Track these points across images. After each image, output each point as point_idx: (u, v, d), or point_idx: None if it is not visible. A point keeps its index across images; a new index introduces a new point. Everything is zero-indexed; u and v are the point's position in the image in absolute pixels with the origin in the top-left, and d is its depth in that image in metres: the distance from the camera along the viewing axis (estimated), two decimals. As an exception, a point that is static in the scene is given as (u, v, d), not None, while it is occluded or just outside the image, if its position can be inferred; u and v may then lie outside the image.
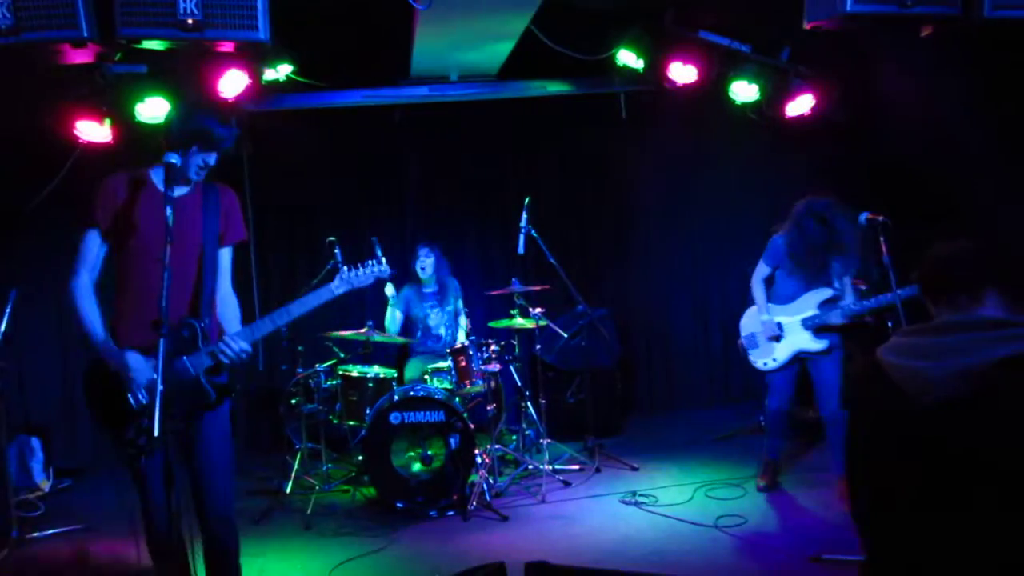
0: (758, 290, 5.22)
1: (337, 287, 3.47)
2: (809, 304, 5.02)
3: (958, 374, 1.88)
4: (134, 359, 3.12)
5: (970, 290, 2.02)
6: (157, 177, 3.25)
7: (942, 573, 1.91)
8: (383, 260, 3.63)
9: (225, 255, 3.44)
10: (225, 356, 3.21)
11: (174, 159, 3.14)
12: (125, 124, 5.35)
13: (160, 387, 2.83)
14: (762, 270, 5.20)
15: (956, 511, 1.88)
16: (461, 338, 6.31)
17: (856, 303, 4.84)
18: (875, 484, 2.07)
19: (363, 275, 3.55)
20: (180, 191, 3.25)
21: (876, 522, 2.07)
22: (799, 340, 5.02)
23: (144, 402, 3.10)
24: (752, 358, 5.25)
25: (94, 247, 3.23)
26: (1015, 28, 3.89)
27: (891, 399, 1.98)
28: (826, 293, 4.99)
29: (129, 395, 3.11)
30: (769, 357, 5.14)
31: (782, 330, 5.08)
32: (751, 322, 5.28)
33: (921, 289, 2.14)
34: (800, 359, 5.08)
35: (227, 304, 3.43)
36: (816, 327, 4.96)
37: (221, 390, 3.28)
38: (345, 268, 3.52)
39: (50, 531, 5.17)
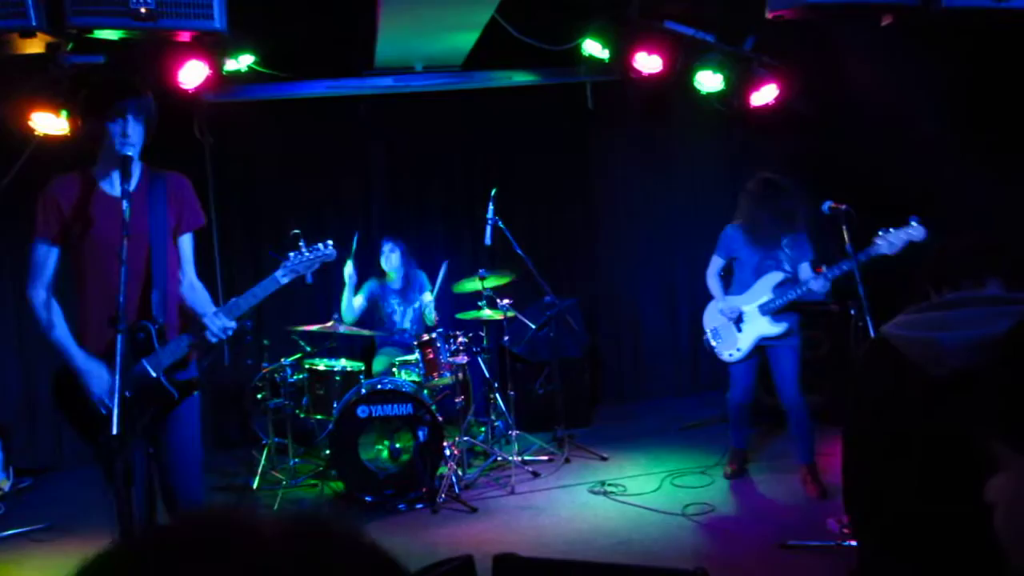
0: (713, 282, 5.27)
1: (283, 275, 3.41)
2: (764, 289, 5.06)
3: (970, 344, 1.88)
4: (94, 376, 3.11)
5: (976, 277, 2.05)
6: (101, 176, 3.21)
7: (960, 547, 1.91)
8: (329, 243, 3.53)
9: (186, 242, 3.38)
10: (210, 334, 3.21)
11: (130, 151, 3.09)
12: (83, 103, 5.22)
13: (118, 382, 2.83)
14: (716, 263, 5.26)
15: (969, 486, 1.88)
16: (430, 320, 6.21)
17: (816, 276, 4.80)
18: (882, 461, 2.05)
19: (308, 259, 3.47)
20: (125, 189, 3.10)
21: (882, 502, 2.05)
22: (759, 326, 5.06)
23: (112, 407, 3.08)
24: (717, 351, 5.28)
25: (45, 257, 3.18)
26: (974, 17, 3.93)
27: (902, 373, 1.97)
28: (778, 277, 5.04)
29: (106, 395, 3.11)
30: (734, 347, 5.18)
31: (742, 315, 5.11)
32: (712, 316, 5.32)
33: (926, 279, 2.16)
34: (761, 348, 5.12)
35: (195, 290, 3.39)
36: (773, 311, 5.01)
37: (184, 387, 3.26)
38: (290, 255, 3.44)
39: (11, 531, 5.08)
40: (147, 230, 3.21)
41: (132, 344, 3.12)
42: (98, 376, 3.12)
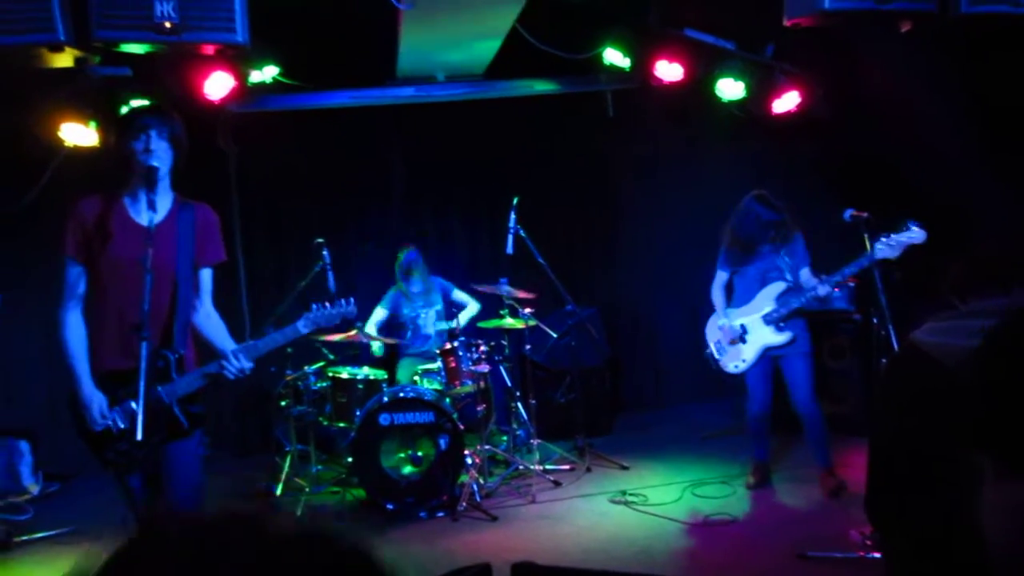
0: (717, 296, 5.27)
1: (304, 326, 3.54)
2: (767, 300, 5.05)
3: None
4: (96, 409, 3.15)
5: (1003, 285, 2.04)
6: (128, 198, 3.26)
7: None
8: (351, 300, 3.72)
9: (205, 275, 3.44)
10: (228, 372, 3.28)
11: (155, 162, 3.15)
12: (110, 127, 5.33)
13: (143, 387, 2.90)
14: (720, 277, 5.26)
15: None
16: (453, 324, 6.18)
17: (821, 282, 4.79)
18: (912, 470, 2.04)
19: (330, 314, 3.63)
20: (152, 219, 3.15)
21: (910, 508, 2.04)
22: (763, 336, 5.05)
23: (123, 427, 3.15)
24: (723, 365, 5.27)
25: (73, 277, 3.25)
26: (993, 21, 3.90)
27: (934, 379, 1.97)
28: (780, 287, 5.03)
29: (108, 420, 3.16)
30: (739, 359, 5.16)
31: (745, 331, 5.09)
32: (713, 330, 5.31)
33: (950, 288, 2.16)
34: (771, 357, 5.10)
35: (211, 320, 3.45)
36: (777, 320, 4.99)
37: (194, 419, 3.30)
38: (314, 307, 3.60)
39: (39, 534, 5.16)
40: (174, 261, 3.26)
41: (151, 370, 3.16)
42: (98, 408, 3.16)
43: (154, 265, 3.06)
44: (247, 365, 3.31)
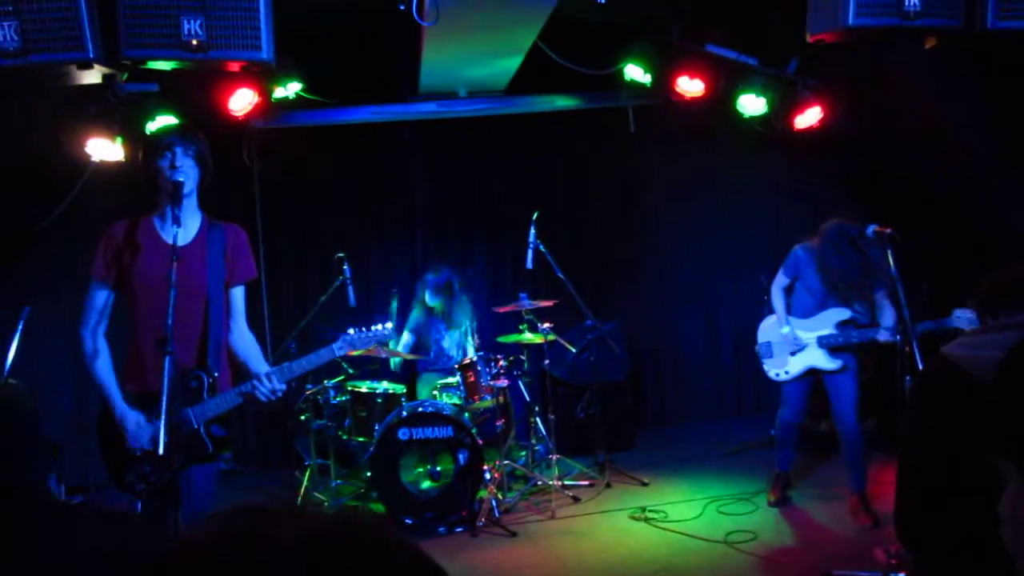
0: (778, 300, 5.17)
1: (339, 348, 3.55)
2: (827, 322, 4.98)
3: None
4: (131, 420, 3.18)
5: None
6: (159, 221, 3.32)
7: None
8: (388, 325, 3.71)
9: (237, 294, 3.46)
10: (260, 394, 3.27)
11: (180, 177, 3.19)
12: (136, 143, 5.40)
13: (165, 404, 2.91)
14: (781, 280, 5.16)
15: None
16: (470, 353, 6.27)
17: (889, 331, 4.73)
18: (947, 483, 2.03)
19: (366, 337, 3.64)
20: (184, 239, 3.23)
21: (942, 524, 2.03)
22: (813, 356, 4.99)
23: (148, 449, 3.15)
24: (765, 367, 5.23)
25: (100, 299, 3.29)
26: (1019, 37, 3.88)
27: (966, 390, 1.97)
28: (844, 314, 4.96)
29: (132, 443, 3.18)
30: (782, 368, 5.11)
31: (802, 347, 5.02)
32: (769, 330, 5.24)
33: (978, 306, 2.17)
34: (815, 373, 5.05)
35: (244, 340, 3.46)
36: (832, 346, 4.93)
37: (219, 443, 3.31)
38: (350, 330, 3.61)
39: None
40: (205, 281, 3.29)
41: (183, 390, 3.20)
42: (134, 422, 3.18)
43: (184, 284, 3.09)
44: (280, 387, 3.30)
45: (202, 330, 3.29)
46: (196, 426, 3.23)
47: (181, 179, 3.19)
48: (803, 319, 5.07)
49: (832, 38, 3.95)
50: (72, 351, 6.65)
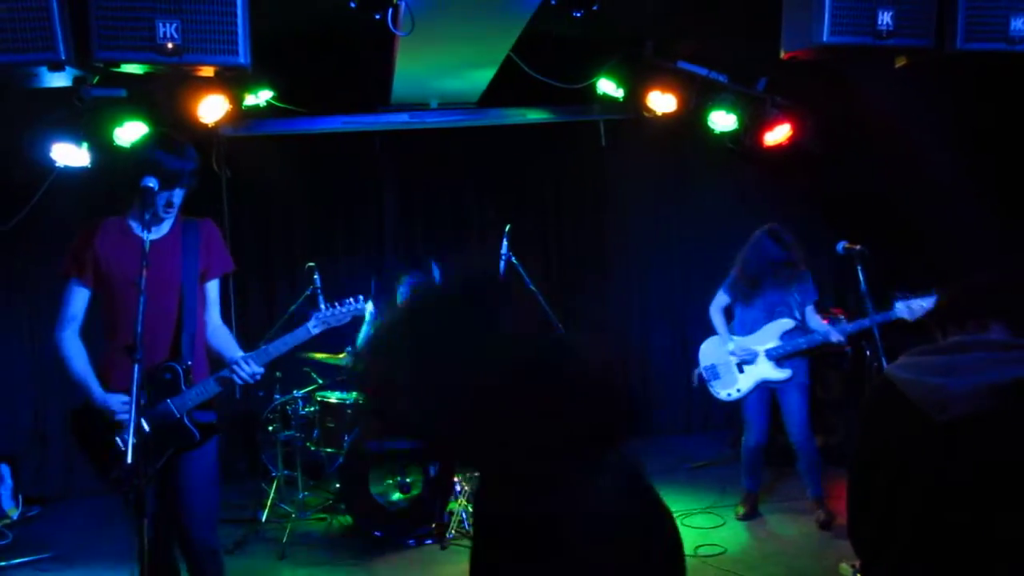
0: (718, 318, 5.25)
1: (314, 327, 3.55)
2: (771, 335, 5.05)
3: (977, 391, 1.89)
4: (113, 402, 3.18)
5: (980, 319, 2.06)
6: (135, 221, 3.30)
7: None
8: (361, 298, 3.69)
9: (212, 288, 3.48)
10: (239, 378, 3.30)
11: (151, 183, 3.14)
12: (102, 148, 5.31)
13: (133, 414, 2.85)
14: (721, 299, 5.25)
15: (974, 525, 1.88)
16: None
17: (832, 328, 4.88)
18: (888, 502, 2.06)
19: (340, 313, 3.63)
20: (157, 233, 3.24)
21: (889, 534, 2.05)
22: (762, 370, 5.05)
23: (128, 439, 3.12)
24: (714, 389, 5.25)
25: (75, 298, 3.28)
26: (989, 58, 3.96)
27: (906, 415, 1.99)
28: (788, 324, 5.03)
29: (116, 437, 3.17)
30: (733, 388, 5.15)
31: (752, 356, 5.07)
32: (712, 351, 5.28)
33: (932, 320, 2.19)
34: (767, 387, 5.10)
35: (220, 333, 3.48)
36: (779, 357, 4.99)
37: (206, 429, 3.31)
38: (323, 307, 3.61)
39: (18, 560, 5.06)
40: (179, 275, 3.30)
41: (159, 384, 3.21)
42: (119, 402, 3.18)
43: (159, 278, 3.10)
44: (258, 370, 3.34)
45: (176, 324, 3.29)
46: (179, 416, 3.24)
47: (168, 216, 3.29)
48: (747, 335, 5.12)
49: (806, 55, 4.00)
50: (31, 360, 6.49)
